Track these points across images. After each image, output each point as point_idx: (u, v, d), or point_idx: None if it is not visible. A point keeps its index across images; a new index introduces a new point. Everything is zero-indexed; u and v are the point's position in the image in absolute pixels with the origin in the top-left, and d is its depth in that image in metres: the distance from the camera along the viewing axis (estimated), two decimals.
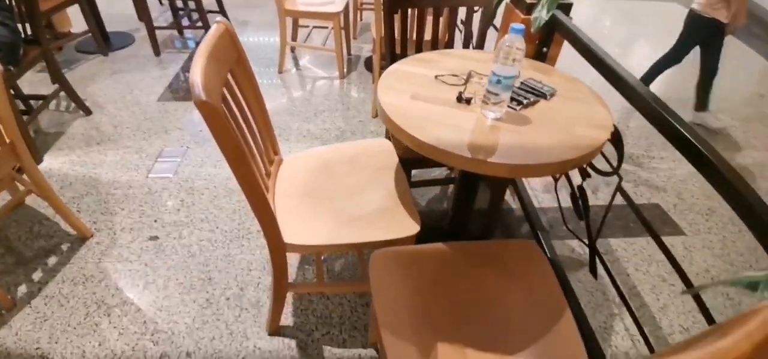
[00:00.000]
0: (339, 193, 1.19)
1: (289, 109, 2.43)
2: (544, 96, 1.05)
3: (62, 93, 2.13)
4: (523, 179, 1.90)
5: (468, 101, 1.01)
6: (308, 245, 1.05)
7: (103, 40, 2.85)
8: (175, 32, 3.22)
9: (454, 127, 0.92)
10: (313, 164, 1.30)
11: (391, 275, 0.95)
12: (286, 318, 1.36)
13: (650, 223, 1.09)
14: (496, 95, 0.93)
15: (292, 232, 1.07)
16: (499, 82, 0.90)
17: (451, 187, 1.93)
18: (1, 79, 1.19)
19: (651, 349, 1.16)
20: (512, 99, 1.01)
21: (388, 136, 1.66)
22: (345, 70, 2.80)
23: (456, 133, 0.90)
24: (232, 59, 1.01)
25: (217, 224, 1.68)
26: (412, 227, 1.08)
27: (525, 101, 1.01)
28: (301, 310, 1.39)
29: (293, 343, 1.30)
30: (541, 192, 1.94)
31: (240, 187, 0.91)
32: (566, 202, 1.43)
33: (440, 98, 1.02)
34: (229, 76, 0.98)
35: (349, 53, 3.01)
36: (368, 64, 2.93)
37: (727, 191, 0.77)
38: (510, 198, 1.88)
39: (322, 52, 3.03)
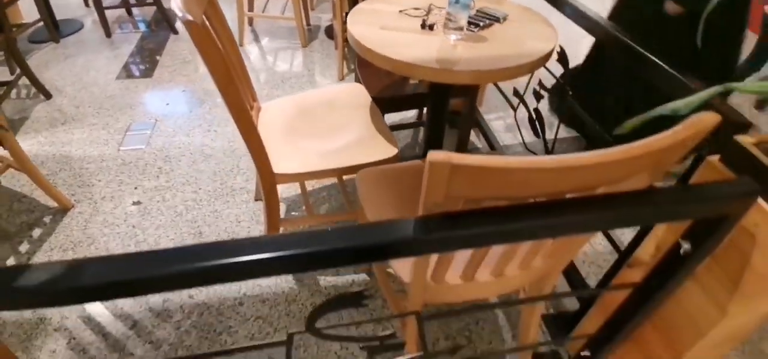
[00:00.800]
0: (319, 129, 1.29)
1: (255, 80, 2.46)
2: (497, 20, 1.19)
3: (21, 82, 2.08)
4: (486, 121, 2.07)
5: (431, 27, 1.13)
6: (296, 173, 1.15)
7: (54, 28, 2.74)
8: (124, 13, 3.13)
9: (422, 48, 1.05)
10: (291, 108, 1.38)
11: (377, 187, 1.08)
12: None
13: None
14: (455, 17, 1.06)
15: (280, 164, 1.16)
16: (457, 2, 1.02)
17: (421, 132, 2.07)
18: None
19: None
20: (470, 23, 1.14)
21: (357, 80, 1.76)
22: (307, 39, 2.85)
23: (424, 52, 1.02)
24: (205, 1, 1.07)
25: (199, 185, 1.73)
26: (391, 150, 1.21)
27: (481, 23, 1.15)
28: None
29: (289, 276, 1.40)
30: (502, 132, 2.11)
31: (230, 114, 0.98)
32: (528, 138, 1.60)
33: (406, 27, 1.14)
34: (204, 18, 1.05)
35: (308, 24, 3.05)
36: (328, 31, 2.99)
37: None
38: (476, 140, 2.04)
39: (281, 22, 3.05)
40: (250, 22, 3.03)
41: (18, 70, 2.06)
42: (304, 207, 1.64)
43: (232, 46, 1.21)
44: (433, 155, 0.49)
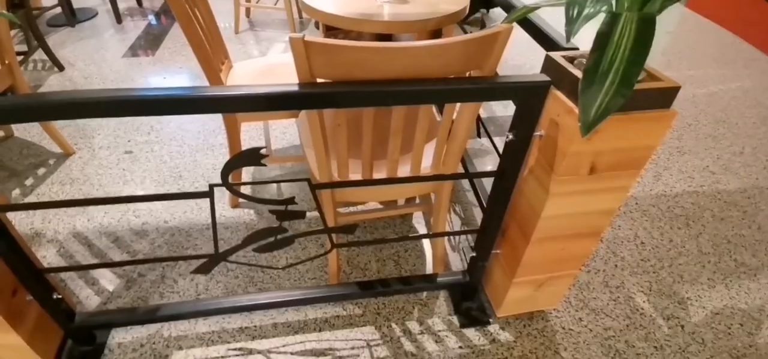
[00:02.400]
0: (278, 79, 1.52)
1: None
2: None
3: (37, 56, 2.37)
4: None
5: None
6: (255, 113, 1.38)
7: (70, 14, 3.06)
8: (134, 4, 3.44)
9: (355, 7, 1.27)
10: (260, 67, 1.62)
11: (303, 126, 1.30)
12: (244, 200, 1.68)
13: None
14: None
15: None
16: None
17: None
18: (4, 2, 1.45)
19: None
20: None
21: None
22: (297, 29, 3.11)
23: (356, 9, 1.25)
24: None
25: (184, 141, 1.97)
26: None
27: None
28: (257, 193, 1.71)
29: (251, 213, 1.62)
30: None
31: (199, 64, 1.22)
32: None
33: None
34: None
35: (300, 17, 3.33)
36: (318, 23, 3.25)
37: None
38: None
39: (275, 13, 3.34)
40: (248, 13, 3.31)
41: (35, 43, 2.35)
42: (264, 148, 1.87)
43: (205, 9, 1.45)
44: (291, 35, 0.70)
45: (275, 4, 3.31)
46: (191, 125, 2.07)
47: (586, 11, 0.63)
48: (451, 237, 1.53)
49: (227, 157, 1.88)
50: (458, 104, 0.93)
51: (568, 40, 0.89)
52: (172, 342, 1.19)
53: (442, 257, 1.35)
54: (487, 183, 1.67)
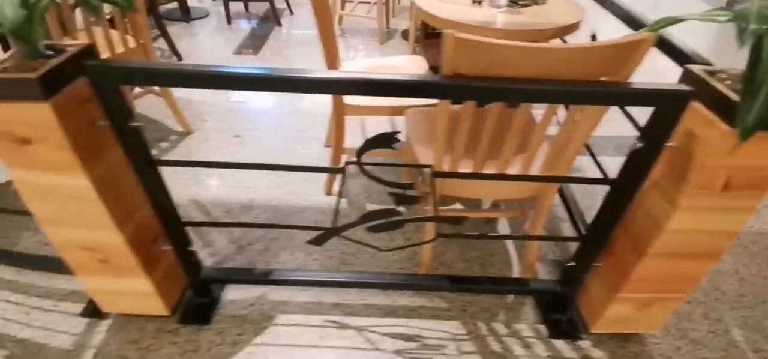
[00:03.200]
0: None
1: None
2: (536, 3, 1.44)
3: (157, 45, 2.70)
4: None
5: (480, 2, 1.41)
6: (360, 106, 1.48)
7: (185, 11, 3.46)
8: (242, 8, 3.80)
9: (470, 14, 1.33)
10: (365, 67, 1.73)
11: (420, 120, 1.37)
12: (337, 187, 1.79)
13: None
14: None
15: (349, 98, 1.49)
16: None
17: None
18: None
19: None
20: (511, 2, 1.41)
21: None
22: (385, 38, 3.25)
23: (471, 17, 1.31)
24: None
25: (282, 131, 2.14)
26: (432, 100, 1.49)
27: (520, 3, 1.41)
28: (349, 181, 1.81)
29: (343, 201, 1.72)
30: None
31: (324, 55, 1.34)
32: None
33: (460, 2, 1.44)
34: None
35: (387, 26, 3.47)
36: (404, 34, 3.37)
37: None
38: None
39: (365, 22, 3.51)
40: (340, 21, 3.52)
41: (157, 32, 2.69)
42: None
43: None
44: (446, 32, 0.77)
45: (368, 14, 3.49)
46: (288, 119, 2.24)
47: (751, 27, 0.63)
48: (538, 247, 1.52)
49: (319, 148, 2.02)
50: (583, 109, 0.94)
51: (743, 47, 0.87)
52: (277, 306, 1.31)
53: (531, 264, 1.35)
54: (580, 195, 1.65)
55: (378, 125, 2.20)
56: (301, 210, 1.67)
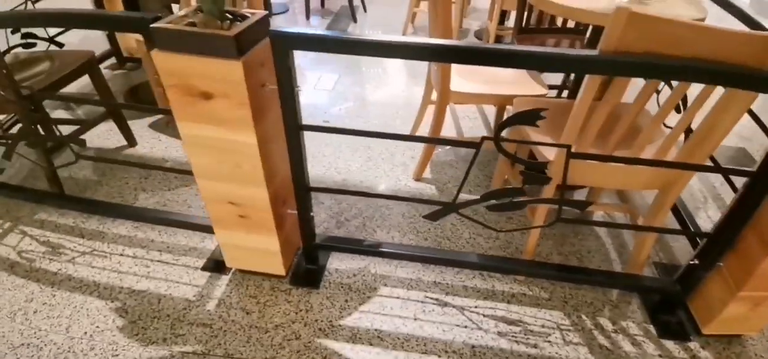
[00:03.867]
0: (485, 71, 1.64)
1: None
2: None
3: None
4: None
5: None
6: (468, 93, 1.51)
7: (267, 6, 3.65)
8: (318, 4, 3.96)
9: (593, 3, 1.34)
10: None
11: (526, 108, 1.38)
12: (425, 175, 1.83)
13: None
14: None
15: (455, 85, 1.52)
16: None
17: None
18: None
19: None
20: None
21: None
22: (460, 37, 3.28)
23: (594, 5, 1.31)
24: None
25: (367, 119, 2.22)
26: (541, 90, 1.51)
27: None
28: (435, 171, 1.85)
29: (432, 187, 1.76)
30: None
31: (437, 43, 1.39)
32: None
33: None
34: None
35: (460, 27, 3.50)
36: (478, 34, 3.39)
37: None
38: None
39: None
40: (413, 18, 3.59)
41: None
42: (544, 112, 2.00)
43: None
44: (621, 6, 0.79)
45: None
46: (372, 108, 2.32)
47: None
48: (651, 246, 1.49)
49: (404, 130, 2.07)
50: (734, 95, 0.93)
51: None
52: (379, 279, 1.36)
53: (641, 263, 1.32)
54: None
55: (466, 117, 2.23)
56: (393, 192, 1.73)
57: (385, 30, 3.45)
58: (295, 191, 1.16)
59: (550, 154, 1.15)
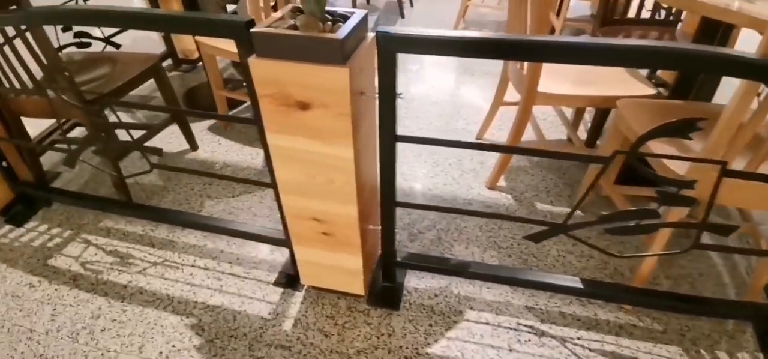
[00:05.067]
0: (577, 69, 1.48)
1: None
2: None
3: None
4: None
5: None
6: (558, 95, 1.36)
7: None
8: (364, 0, 3.88)
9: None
10: None
11: (639, 115, 1.22)
12: (499, 183, 1.69)
13: None
14: None
15: (544, 86, 1.37)
16: None
17: None
18: None
19: None
20: None
21: None
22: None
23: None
24: None
25: (429, 120, 2.10)
26: (649, 90, 1.34)
27: None
28: (509, 178, 1.71)
29: (508, 197, 1.63)
30: None
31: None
32: None
33: None
34: None
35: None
36: None
37: None
38: None
39: (489, 12, 3.41)
40: (464, 12, 3.43)
41: None
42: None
43: None
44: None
45: (498, 4, 3.36)
46: (433, 107, 2.19)
47: None
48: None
49: (472, 138, 1.94)
50: None
51: None
52: (463, 301, 1.24)
53: (761, 287, 1.14)
54: None
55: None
56: (467, 202, 1.60)
57: (435, 25, 3.31)
58: (383, 206, 1.06)
59: (678, 168, 1.00)
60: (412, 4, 3.73)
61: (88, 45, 2.18)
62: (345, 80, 0.75)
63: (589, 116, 1.98)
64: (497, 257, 1.38)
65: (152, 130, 1.64)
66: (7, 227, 1.52)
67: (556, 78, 1.43)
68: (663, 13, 1.96)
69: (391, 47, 0.78)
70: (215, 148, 1.91)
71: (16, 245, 1.44)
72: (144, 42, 2.90)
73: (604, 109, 1.76)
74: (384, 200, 1.03)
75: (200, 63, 2.70)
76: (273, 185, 1.09)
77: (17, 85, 1.27)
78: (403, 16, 3.48)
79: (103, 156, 1.34)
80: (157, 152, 1.16)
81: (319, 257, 1.13)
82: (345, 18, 0.80)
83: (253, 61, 0.78)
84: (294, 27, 0.76)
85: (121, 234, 1.47)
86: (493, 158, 1.83)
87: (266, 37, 0.75)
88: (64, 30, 1.60)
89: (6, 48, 1.19)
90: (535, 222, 1.04)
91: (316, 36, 0.73)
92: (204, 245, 1.42)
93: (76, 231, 1.48)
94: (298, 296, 1.26)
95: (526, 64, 1.39)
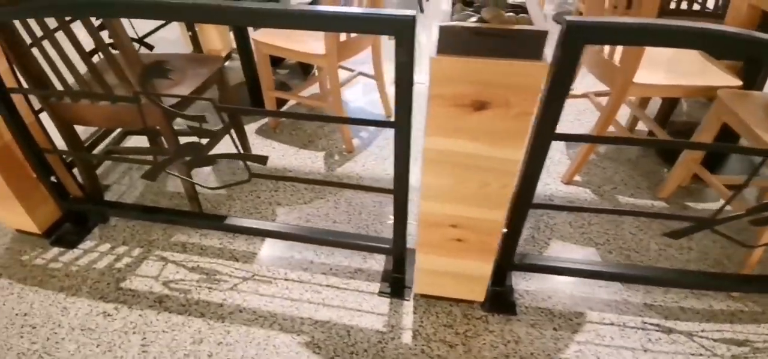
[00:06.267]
0: (663, 56, 1.46)
1: None
2: None
3: None
4: None
5: None
6: (655, 85, 1.33)
7: None
8: None
9: None
10: None
11: (744, 105, 1.21)
12: (575, 178, 1.66)
13: None
14: None
15: (640, 76, 1.34)
16: None
17: None
18: None
19: None
20: None
21: None
22: None
23: None
24: None
25: None
26: (735, 80, 1.33)
27: None
28: (583, 172, 1.68)
29: (587, 191, 1.60)
30: None
31: None
32: None
33: None
34: None
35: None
36: (557, 19, 3.19)
37: None
38: None
39: None
40: None
41: None
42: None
43: None
44: None
45: None
46: None
47: None
48: None
49: None
50: None
51: None
52: (580, 301, 1.21)
53: None
54: None
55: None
56: (547, 198, 1.57)
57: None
58: (519, 207, 1.00)
59: None
60: None
61: (152, 47, 2.03)
62: (541, 76, 0.69)
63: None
64: (599, 252, 1.35)
65: (216, 136, 1.54)
66: (56, 250, 1.38)
67: (646, 69, 1.40)
68: (712, 4, 1.97)
69: (580, 38, 0.72)
70: (269, 152, 1.82)
71: (74, 270, 1.31)
72: (162, 44, 2.75)
73: (672, 99, 1.76)
74: (521, 202, 0.98)
75: (226, 63, 2.59)
76: (396, 191, 1.03)
77: (96, 89, 1.16)
78: (422, 11, 3.42)
79: (190, 166, 1.24)
80: (262, 159, 1.07)
81: (442, 265, 1.07)
82: (519, 9, 0.75)
83: (436, 59, 0.71)
84: (481, 20, 0.70)
85: (198, 249, 1.36)
86: (560, 152, 1.81)
87: (457, 32, 0.68)
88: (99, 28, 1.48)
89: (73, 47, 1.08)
90: (683, 219, 1.00)
91: (519, 29, 0.67)
92: (291, 257, 1.34)
93: (147, 248, 1.37)
94: (407, 305, 1.20)
95: (616, 54, 1.36)
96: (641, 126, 1.86)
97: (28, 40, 1.11)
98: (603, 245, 1.37)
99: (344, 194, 1.58)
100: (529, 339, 1.11)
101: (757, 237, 1.15)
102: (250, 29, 1.91)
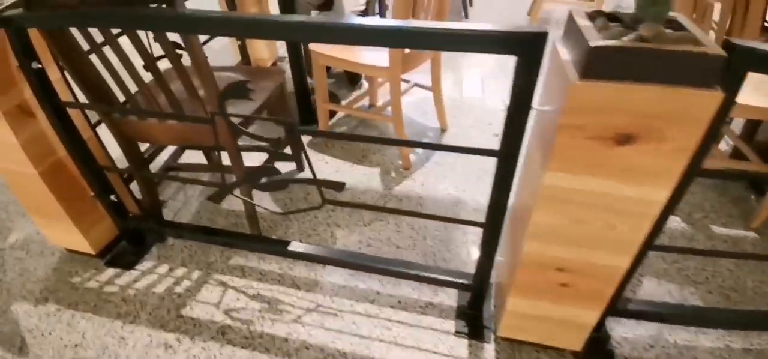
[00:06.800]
0: None
1: None
2: None
3: None
4: None
5: None
6: (759, 107, 1.18)
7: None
8: None
9: None
10: None
11: None
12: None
13: None
14: None
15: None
16: None
17: None
18: None
19: None
20: None
21: None
22: None
23: None
24: None
25: None
26: None
27: None
28: None
29: (677, 219, 1.44)
30: None
31: None
32: None
33: None
34: None
35: None
36: None
37: None
38: None
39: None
40: (537, 12, 3.25)
41: None
42: None
43: None
44: None
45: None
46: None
47: None
48: None
49: None
50: None
51: None
52: (684, 351, 1.06)
53: None
54: None
55: None
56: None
57: (495, 21, 3.13)
58: (640, 251, 0.88)
59: None
60: (470, 3, 3.55)
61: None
62: (713, 107, 0.57)
63: None
64: (698, 293, 1.20)
65: (274, 154, 1.47)
66: (111, 271, 1.32)
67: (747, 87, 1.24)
68: None
69: (744, 65, 0.60)
70: (322, 167, 1.73)
71: (131, 294, 1.25)
72: (208, 53, 2.73)
73: (755, 121, 1.59)
74: (645, 245, 0.85)
75: None
76: (490, 225, 0.92)
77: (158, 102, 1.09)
78: (467, 17, 3.30)
79: (256, 188, 1.17)
80: (339, 186, 0.98)
81: (538, 309, 0.95)
82: (675, 24, 0.63)
83: (579, 85, 0.60)
84: (639, 38, 0.58)
85: (257, 274, 1.29)
86: None
87: (610, 53, 0.57)
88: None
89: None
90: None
91: (696, 51, 0.55)
92: (355, 286, 1.24)
93: (206, 271, 1.30)
94: (489, 348, 1.08)
95: None
96: (722, 144, 1.69)
97: (86, 46, 1.02)
98: (702, 285, 1.22)
99: (405, 217, 1.47)
100: None
101: None
102: None
